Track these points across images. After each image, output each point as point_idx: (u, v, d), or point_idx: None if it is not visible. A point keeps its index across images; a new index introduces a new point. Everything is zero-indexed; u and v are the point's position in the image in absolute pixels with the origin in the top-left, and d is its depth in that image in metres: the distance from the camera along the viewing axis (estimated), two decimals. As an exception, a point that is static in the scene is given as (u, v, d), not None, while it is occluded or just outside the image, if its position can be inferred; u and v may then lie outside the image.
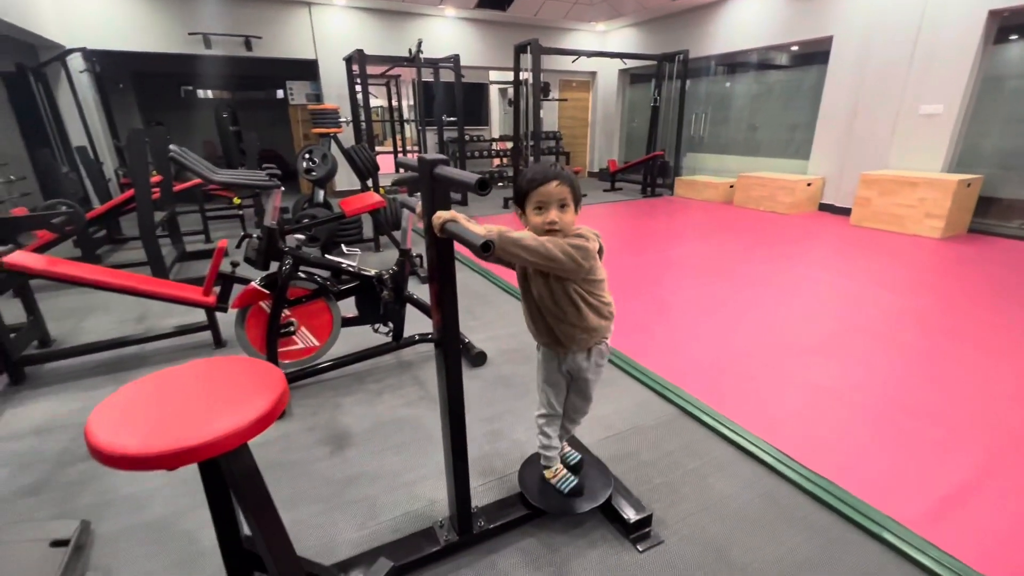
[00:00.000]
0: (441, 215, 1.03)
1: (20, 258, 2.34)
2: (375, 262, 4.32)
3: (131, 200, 3.72)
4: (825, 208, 6.44)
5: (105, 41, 6.27)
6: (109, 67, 6.77)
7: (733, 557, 1.41)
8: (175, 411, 0.91)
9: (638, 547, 1.43)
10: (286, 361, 2.28)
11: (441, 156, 0.99)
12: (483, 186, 0.82)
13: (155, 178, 3.98)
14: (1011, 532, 1.47)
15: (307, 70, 7.87)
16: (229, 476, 0.96)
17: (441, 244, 1.11)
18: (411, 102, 9.67)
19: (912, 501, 1.58)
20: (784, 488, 1.67)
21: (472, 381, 2.37)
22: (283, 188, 1.98)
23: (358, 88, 6.10)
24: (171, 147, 1.70)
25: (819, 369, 2.42)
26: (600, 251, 1.26)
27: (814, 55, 6.53)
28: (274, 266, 2.13)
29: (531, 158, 6.93)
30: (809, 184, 6.32)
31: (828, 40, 6.09)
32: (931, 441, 1.88)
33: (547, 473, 1.55)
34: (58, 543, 1.36)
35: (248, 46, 7.02)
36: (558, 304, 1.25)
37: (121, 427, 0.85)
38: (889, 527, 1.47)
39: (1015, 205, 5.10)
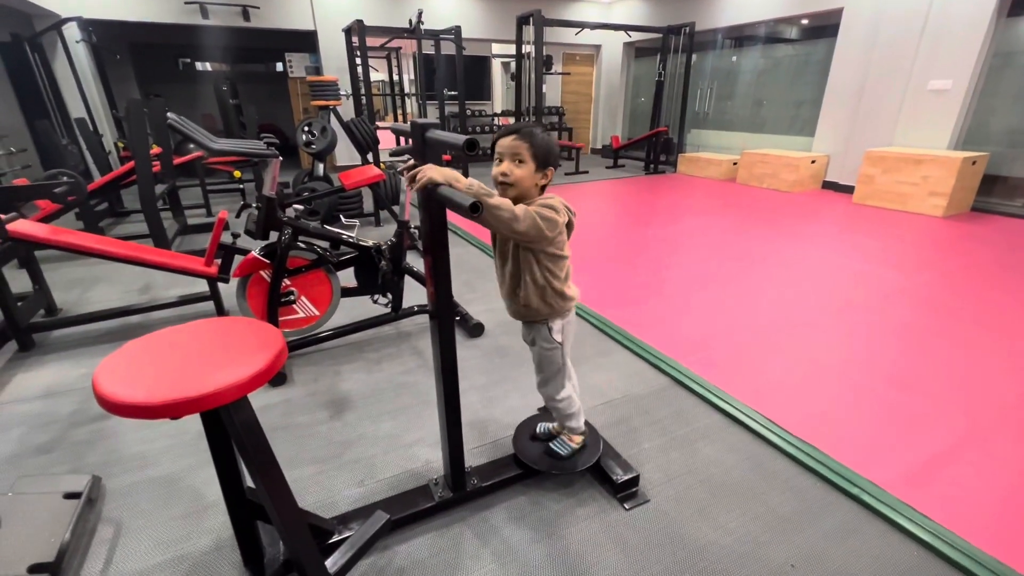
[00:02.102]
0: (426, 172, 1.01)
1: (24, 226, 2.37)
2: (375, 236, 4.33)
3: (132, 172, 3.72)
4: (828, 186, 6.39)
5: (101, 10, 6.17)
6: (105, 37, 6.69)
7: (716, 515, 1.47)
8: (178, 365, 0.95)
9: (625, 505, 1.49)
10: (287, 330, 2.32)
11: (433, 120, 1.00)
12: (471, 147, 0.84)
13: (155, 150, 3.98)
14: (983, 496, 1.53)
15: (306, 42, 7.75)
16: (231, 428, 1.01)
17: (434, 216, 1.14)
18: (412, 76, 9.53)
19: (891, 466, 1.64)
20: (768, 453, 1.72)
21: (470, 351, 2.42)
22: (281, 158, 1.99)
23: (358, 60, 6.01)
24: (169, 115, 1.71)
25: (812, 343, 2.46)
26: (570, 226, 1.27)
27: (823, 28, 6.39)
28: (274, 236, 2.16)
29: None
30: (813, 161, 6.26)
31: (838, 13, 5.95)
32: (915, 412, 1.93)
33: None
34: (71, 495, 1.43)
35: (246, 16, 6.90)
36: (506, 265, 1.30)
37: (127, 378, 0.90)
38: (867, 489, 1.53)
39: (1020, 184, 5.06)
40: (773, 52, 7.24)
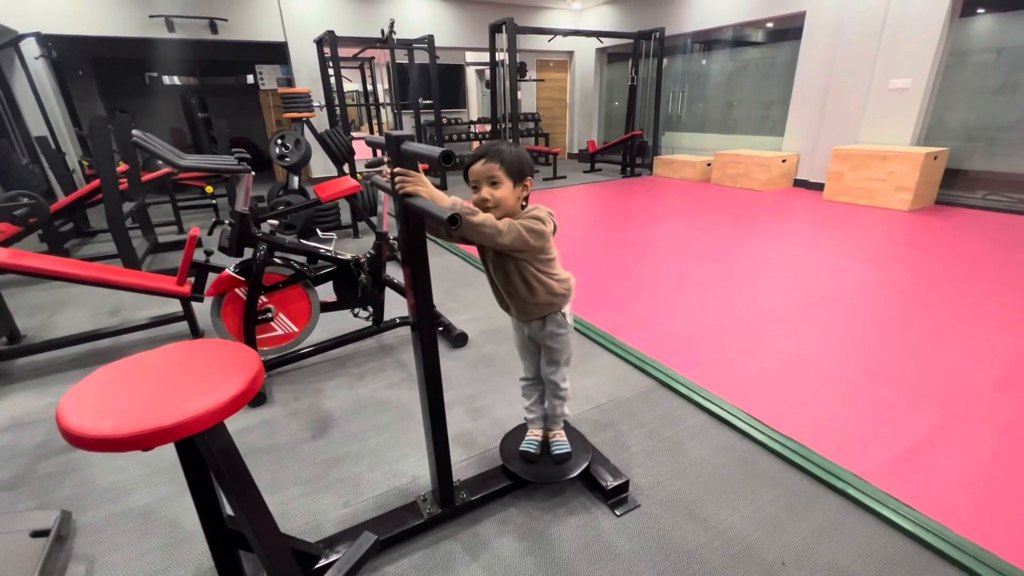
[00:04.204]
0: (406, 179, 1.00)
1: (-18, 252, 2.27)
2: (354, 249, 4.28)
3: (97, 191, 3.61)
4: (800, 184, 6.56)
5: (60, 25, 5.99)
6: (67, 53, 6.50)
7: (706, 516, 1.47)
8: (149, 392, 0.91)
9: (616, 512, 1.49)
10: (265, 348, 2.27)
11: (408, 133, 0.99)
12: (447, 159, 0.83)
13: (121, 167, 3.87)
14: (962, 482, 1.56)
15: (277, 53, 7.65)
16: (207, 456, 0.97)
17: (412, 225, 1.12)
18: (386, 86, 9.49)
19: (873, 458, 1.67)
20: (755, 451, 1.74)
21: (454, 362, 2.39)
22: (253, 173, 1.95)
23: (331, 71, 5.96)
24: (134, 132, 1.65)
25: (790, 338, 2.50)
26: (553, 230, 1.28)
27: (788, 31, 6.57)
28: (248, 253, 2.11)
29: (510, 140, 6.87)
30: (784, 160, 6.41)
31: (801, 16, 6.14)
32: (892, 402, 1.97)
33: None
34: (38, 533, 1.36)
35: (213, 29, 6.79)
36: (509, 280, 1.30)
37: (93, 409, 0.85)
38: (851, 482, 1.55)
39: (979, 177, 5.27)
40: (741, 55, 7.42)
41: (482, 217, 1.06)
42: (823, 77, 6.00)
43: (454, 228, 0.87)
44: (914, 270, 3.40)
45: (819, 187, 6.09)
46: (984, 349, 2.35)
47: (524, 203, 1.27)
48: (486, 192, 1.18)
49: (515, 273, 1.28)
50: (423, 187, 1.00)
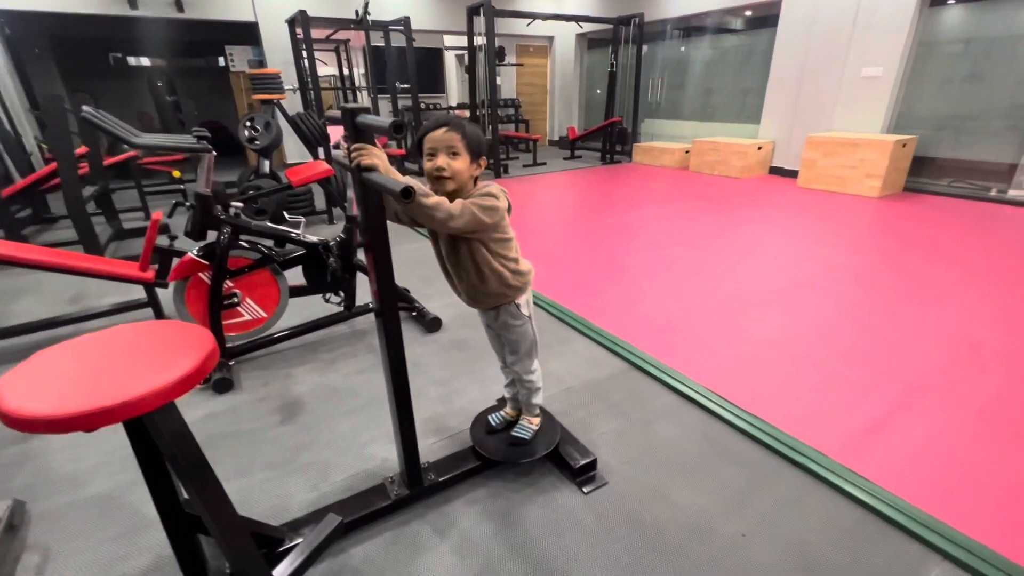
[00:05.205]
0: (363, 151, 0.98)
1: (-73, 236, 2.16)
2: (328, 234, 4.20)
3: (55, 174, 3.46)
4: (775, 171, 6.65)
5: (12, 0, 5.68)
6: (22, 30, 6.18)
7: (671, 493, 1.50)
8: (95, 373, 0.88)
9: (583, 489, 1.50)
10: (232, 334, 2.22)
11: (364, 106, 0.96)
12: (398, 129, 0.81)
13: (81, 150, 3.71)
14: (917, 458, 1.62)
15: (248, 34, 7.40)
16: (157, 438, 0.94)
17: (373, 209, 1.09)
18: (363, 69, 9.28)
19: (834, 434, 1.71)
20: (721, 429, 1.77)
21: (428, 346, 2.38)
22: (215, 153, 1.89)
23: (304, 53, 5.79)
24: (84, 108, 1.58)
25: (761, 322, 2.55)
26: (508, 208, 1.25)
27: (765, 19, 6.61)
28: (213, 236, 2.05)
29: (488, 126, 6.81)
30: (760, 148, 6.49)
31: (778, 3, 6.17)
32: (856, 381, 2.03)
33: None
34: (-12, 524, 1.31)
35: (179, 7, 6.51)
36: (460, 264, 1.26)
37: (34, 390, 0.82)
38: (813, 457, 1.59)
39: (946, 164, 5.41)
40: (720, 42, 7.45)
41: (435, 200, 1.04)
42: (798, 65, 6.06)
43: (407, 201, 0.85)
44: (883, 255, 3.49)
45: (793, 174, 6.19)
46: (945, 332, 2.43)
47: (475, 183, 1.24)
48: (443, 160, 1.15)
49: (467, 257, 1.24)
50: (380, 160, 0.97)
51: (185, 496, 1.13)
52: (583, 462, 1.52)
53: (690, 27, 7.75)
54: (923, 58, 5.25)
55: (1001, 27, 4.78)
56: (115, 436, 1.63)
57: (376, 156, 0.97)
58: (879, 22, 5.24)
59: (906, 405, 1.87)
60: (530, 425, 1.59)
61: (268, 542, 1.23)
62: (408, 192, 0.83)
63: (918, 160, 5.43)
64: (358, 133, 0.98)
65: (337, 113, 1.06)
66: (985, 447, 1.65)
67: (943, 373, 2.07)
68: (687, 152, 7.28)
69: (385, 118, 0.84)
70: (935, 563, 1.27)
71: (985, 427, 1.75)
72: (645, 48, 7.77)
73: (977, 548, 1.28)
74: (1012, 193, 4.89)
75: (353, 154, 0.97)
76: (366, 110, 0.96)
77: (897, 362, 2.16)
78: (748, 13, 6.92)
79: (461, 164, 1.16)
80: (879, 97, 5.42)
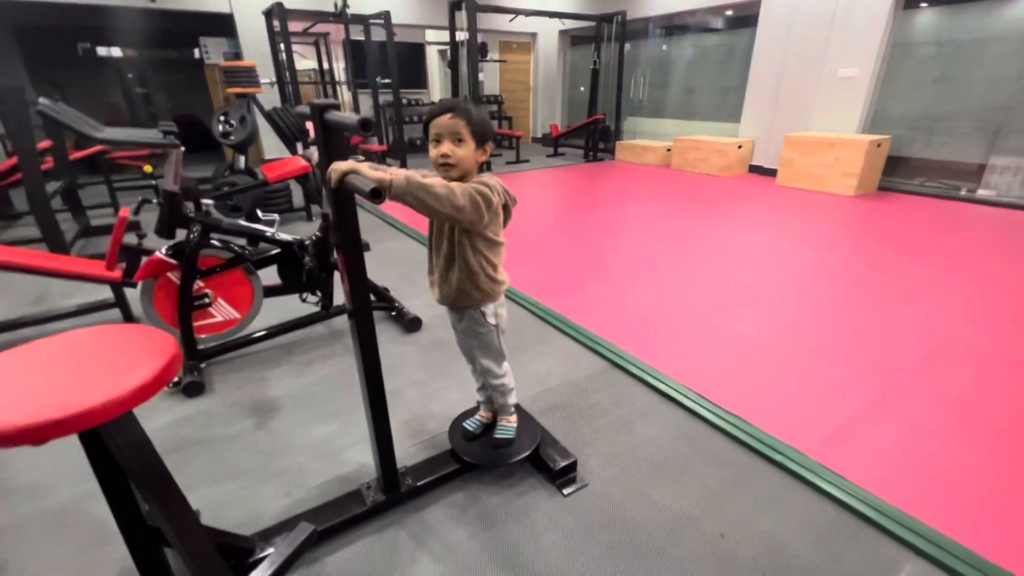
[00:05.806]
0: (338, 166, 0.96)
1: None
2: (306, 232, 4.12)
3: (16, 169, 3.32)
4: (755, 170, 6.73)
5: (-27, -14, 5.43)
6: (-18, 18, 5.91)
7: (651, 492, 1.49)
8: (44, 381, 0.83)
9: (563, 491, 1.49)
10: (204, 335, 2.15)
11: (332, 101, 0.92)
12: (365, 126, 0.78)
13: (44, 144, 3.57)
14: (891, 455, 1.65)
15: (223, 26, 7.20)
16: (114, 450, 0.90)
17: (341, 205, 1.06)
18: (343, 64, 9.12)
19: (811, 432, 1.73)
20: (700, 428, 1.78)
21: (407, 346, 2.34)
22: (183, 148, 1.82)
23: (281, 46, 5.66)
24: (40, 100, 1.50)
25: (740, 320, 2.57)
26: (507, 210, 1.22)
27: (746, 18, 6.67)
28: (182, 235, 1.98)
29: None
30: (740, 147, 6.56)
31: (758, 3, 6.23)
32: (832, 379, 2.05)
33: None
34: (-62, 539, 1.25)
35: (151, -4, 6.30)
36: (440, 245, 1.26)
37: (-25, 402, 0.77)
38: (790, 455, 1.61)
39: (918, 164, 5.54)
40: (701, 41, 7.50)
41: (432, 180, 1.01)
42: (778, 65, 6.13)
43: (377, 201, 0.81)
44: (859, 253, 3.55)
45: (772, 173, 6.27)
46: (918, 329, 2.47)
47: (481, 169, 1.22)
48: (447, 147, 1.12)
49: (447, 240, 1.22)
50: (342, 164, 0.93)
51: (147, 508, 1.09)
52: (563, 464, 1.50)
53: (672, 26, 7.80)
54: (897, 60, 5.36)
55: (972, 30, 4.90)
56: (76, 443, 1.57)
57: (340, 164, 0.93)
58: (856, 23, 5.33)
59: (881, 402, 1.90)
60: (509, 424, 1.57)
61: (237, 553, 1.19)
62: (377, 192, 0.79)
63: (892, 160, 5.55)
64: (326, 131, 0.94)
65: (305, 109, 1.02)
66: (957, 444, 1.69)
67: (917, 370, 2.11)
68: (669, 150, 7.33)
69: (352, 115, 0.80)
70: (908, 559, 1.29)
71: (957, 423, 1.78)
72: (628, 46, 7.78)
73: (949, 544, 1.30)
74: (981, 192, 5.03)
75: (331, 175, 0.94)
76: (335, 106, 0.92)
77: (873, 359, 2.19)
78: (729, 13, 6.98)
79: (466, 151, 1.14)
80: (855, 97, 5.52)
